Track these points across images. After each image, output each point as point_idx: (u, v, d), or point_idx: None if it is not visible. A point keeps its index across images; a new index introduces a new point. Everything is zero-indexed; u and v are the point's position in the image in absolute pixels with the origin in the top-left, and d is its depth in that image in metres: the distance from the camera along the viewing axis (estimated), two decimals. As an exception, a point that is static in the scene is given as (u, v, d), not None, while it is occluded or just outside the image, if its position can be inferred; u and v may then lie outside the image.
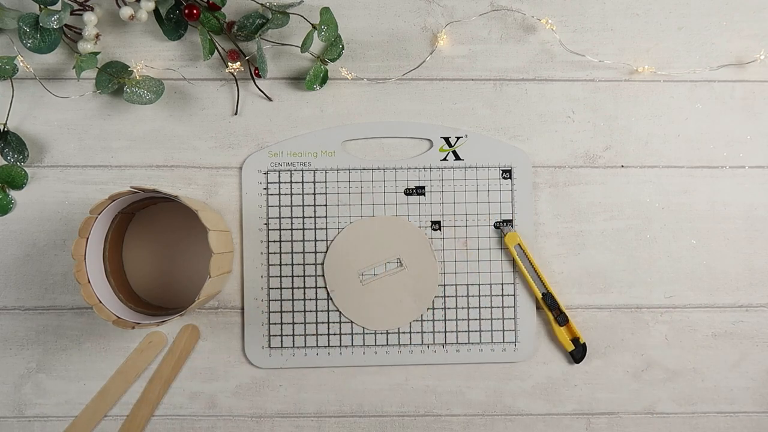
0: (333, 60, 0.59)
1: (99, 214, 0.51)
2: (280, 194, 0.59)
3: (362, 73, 0.59)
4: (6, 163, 0.57)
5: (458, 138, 0.59)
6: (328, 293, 0.58)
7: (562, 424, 0.58)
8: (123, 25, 0.59)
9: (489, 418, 0.58)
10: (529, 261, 0.58)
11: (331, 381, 0.58)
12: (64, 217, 0.58)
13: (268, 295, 0.58)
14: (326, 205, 0.58)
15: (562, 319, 0.58)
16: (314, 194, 0.58)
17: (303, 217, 0.58)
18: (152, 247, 0.57)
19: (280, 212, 0.58)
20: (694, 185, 0.60)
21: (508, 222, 0.59)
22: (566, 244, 0.59)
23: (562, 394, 0.58)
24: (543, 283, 0.58)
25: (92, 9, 0.56)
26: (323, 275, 0.57)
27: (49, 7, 0.54)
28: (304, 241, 0.58)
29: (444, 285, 0.58)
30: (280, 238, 0.58)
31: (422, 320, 0.58)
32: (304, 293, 0.58)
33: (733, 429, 0.59)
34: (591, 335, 0.59)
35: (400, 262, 0.51)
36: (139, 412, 0.57)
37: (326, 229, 0.58)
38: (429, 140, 0.59)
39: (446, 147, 0.59)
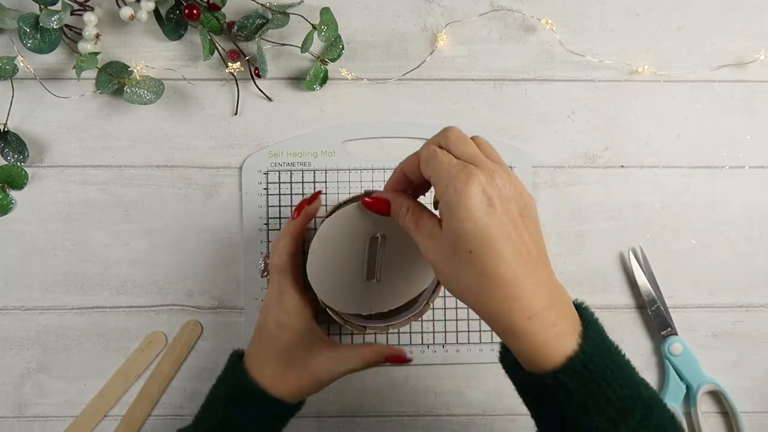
0: (333, 60, 0.59)
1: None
2: (280, 194, 0.59)
3: (362, 73, 0.59)
4: (6, 163, 0.57)
5: (458, 138, 0.59)
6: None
7: (562, 424, 0.58)
8: (123, 25, 0.59)
9: (489, 418, 0.58)
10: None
11: (331, 381, 0.58)
12: (64, 217, 0.58)
13: (268, 295, 0.58)
14: (326, 205, 0.58)
15: (562, 319, 0.58)
16: (314, 194, 0.59)
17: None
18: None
19: (280, 212, 0.58)
20: (694, 185, 0.60)
21: (508, 222, 0.59)
22: (566, 244, 0.59)
23: (562, 394, 0.58)
24: (543, 283, 0.58)
25: (92, 9, 0.56)
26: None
27: (49, 7, 0.54)
28: (304, 241, 0.58)
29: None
30: (280, 238, 0.58)
31: (422, 320, 0.58)
32: (304, 293, 0.58)
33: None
34: (591, 335, 0.59)
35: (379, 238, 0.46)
36: (139, 407, 0.57)
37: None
38: (429, 140, 0.59)
39: (446, 147, 0.59)
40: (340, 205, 0.48)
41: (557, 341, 0.36)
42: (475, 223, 0.36)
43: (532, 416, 0.41)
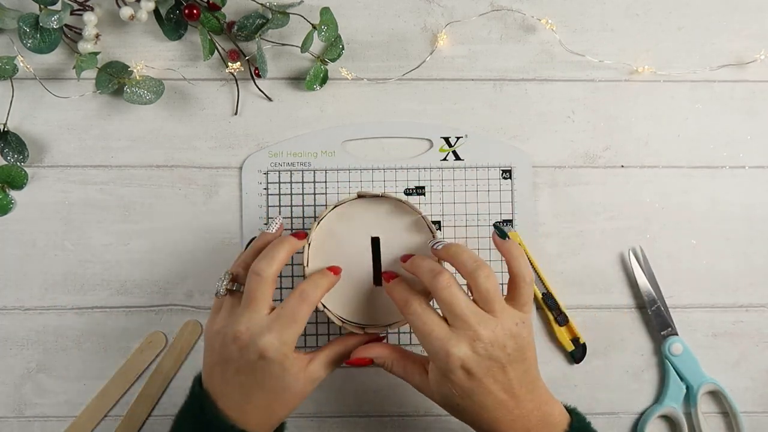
0: (333, 60, 0.59)
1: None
2: (280, 194, 0.59)
3: (362, 73, 0.59)
4: (6, 163, 0.57)
5: (458, 138, 0.59)
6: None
7: (562, 424, 0.58)
8: (123, 25, 0.59)
9: (489, 418, 0.58)
10: (529, 261, 0.58)
11: (331, 381, 0.58)
12: (64, 217, 0.58)
13: (268, 295, 0.58)
14: (326, 205, 0.58)
15: (562, 319, 0.58)
16: (314, 194, 0.58)
17: (303, 218, 0.58)
18: None
19: (280, 212, 0.58)
20: (694, 185, 0.60)
21: (508, 222, 0.59)
22: (566, 244, 0.59)
23: (562, 394, 0.58)
24: (543, 283, 0.58)
25: (92, 9, 0.56)
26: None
27: (49, 7, 0.54)
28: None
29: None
30: (280, 238, 0.58)
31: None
32: (304, 293, 0.58)
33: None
34: (591, 335, 0.59)
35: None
36: (139, 407, 0.57)
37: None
38: (429, 140, 0.59)
39: (446, 147, 0.59)
40: (335, 206, 0.48)
41: None
42: (460, 389, 0.43)
43: None
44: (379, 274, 0.47)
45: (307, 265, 0.46)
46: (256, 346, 0.42)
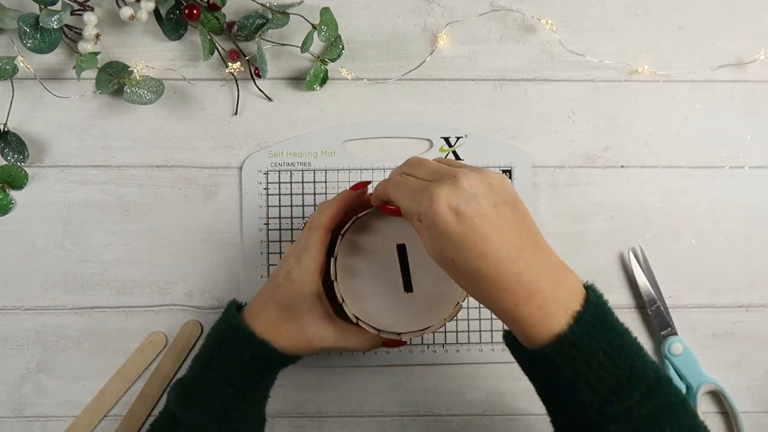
0: (333, 60, 0.59)
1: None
2: (280, 194, 0.59)
3: (362, 73, 0.59)
4: (6, 163, 0.57)
5: (458, 138, 0.59)
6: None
7: (562, 424, 0.58)
8: (123, 25, 0.59)
9: (489, 418, 0.58)
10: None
11: (331, 381, 0.58)
12: (64, 217, 0.58)
13: (268, 295, 0.58)
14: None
15: (562, 319, 0.58)
16: (314, 194, 0.58)
17: (303, 217, 0.58)
18: None
19: (280, 212, 0.58)
20: (694, 185, 0.60)
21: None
22: (566, 244, 0.59)
23: (562, 394, 0.58)
24: (543, 283, 0.58)
25: (92, 9, 0.56)
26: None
27: (49, 7, 0.54)
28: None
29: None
30: (280, 238, 0.58)
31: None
32: (304, 293, 0.58)
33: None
34: (591, 335, 0.59)
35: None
36: (139, 407, 0.57)
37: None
38: (429, 140, 0.59)
39: (446, 147, 0.59)
40: (356, 219, 0.47)
41: (544, 323, 0.38)
42: (450, 236, 0.37)
43: (538, 394, 0.44)
44: (408, 281, 0.47)
45: (336, 280, 0.46)
46: (284, 265, 0.48)
